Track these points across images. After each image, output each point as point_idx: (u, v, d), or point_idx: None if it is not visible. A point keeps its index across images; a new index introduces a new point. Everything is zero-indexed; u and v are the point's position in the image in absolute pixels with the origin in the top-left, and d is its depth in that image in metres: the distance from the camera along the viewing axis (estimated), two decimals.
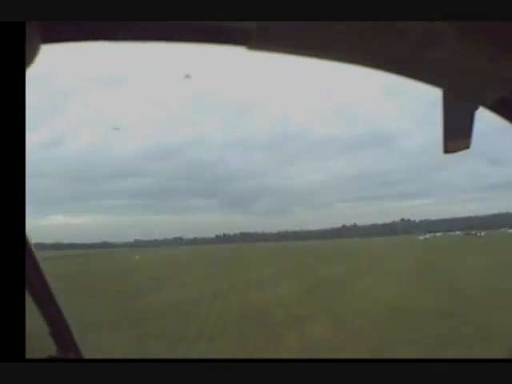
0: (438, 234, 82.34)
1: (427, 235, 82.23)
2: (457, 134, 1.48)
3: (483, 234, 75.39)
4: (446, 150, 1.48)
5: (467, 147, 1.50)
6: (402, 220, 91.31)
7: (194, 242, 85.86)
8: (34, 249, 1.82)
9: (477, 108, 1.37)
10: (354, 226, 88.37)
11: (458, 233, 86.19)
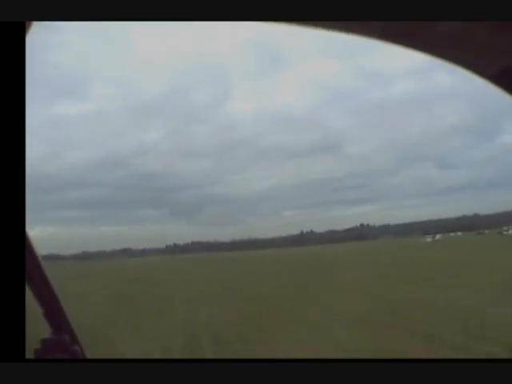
0: (437, 236, 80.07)
1: (437, 236, 79.43)
2: None
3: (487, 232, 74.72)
4: None
5: None
6: (362, 225, 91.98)
7: (144, 253, 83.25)
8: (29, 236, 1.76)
9: None
10: (312, 232, 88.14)
11: (454, 234, 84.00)
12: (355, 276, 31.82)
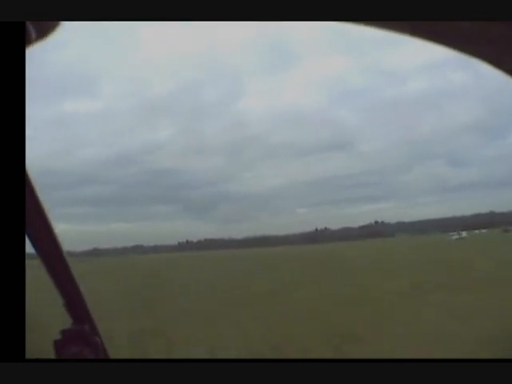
0: (463, 234, 75.56)
1: (463, 234, 75.35)
2: None
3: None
4: None
5: None
6: (376, 223, 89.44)
7: (155, 249, 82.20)
8: (51, 220, 1.80)
9: None
10: (326, 230, 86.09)
11: (478, 231, 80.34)
12: (403, 283, 26.22)
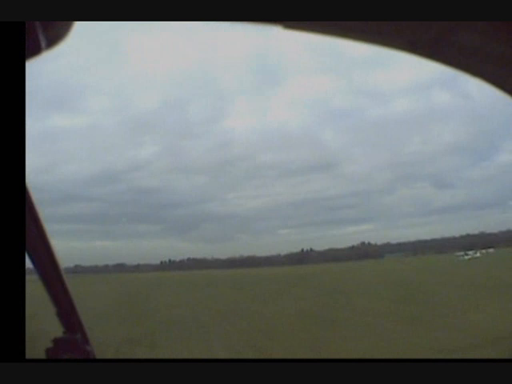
0: (469, 253, 72.26)
1: (478, 254, 72.42)
2: None
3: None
4: None
5: None
6: (363, 244, 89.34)
7: (138, 268, 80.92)
8: (45, 229, 1.79)
9: None
10: (311, 251, 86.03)
11: (485, 251, 77.52)
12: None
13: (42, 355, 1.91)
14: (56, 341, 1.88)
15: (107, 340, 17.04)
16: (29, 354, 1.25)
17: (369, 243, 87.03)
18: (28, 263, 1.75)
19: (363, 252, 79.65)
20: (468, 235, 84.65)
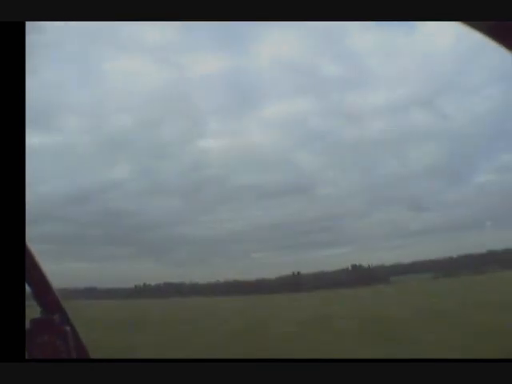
0: None
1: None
2: None
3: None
4: None
5: None
6: (354, 266, 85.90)
7: (108, 294, 75.68)
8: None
9: None
10: (298, 275, 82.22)
11: None
12: None
13: None
14: (32, 322, 1.84)
15: None
16: None
17: (360, 265, 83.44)
18: None
19: (360, 276, 75.71)
20: (450, 257, 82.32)
